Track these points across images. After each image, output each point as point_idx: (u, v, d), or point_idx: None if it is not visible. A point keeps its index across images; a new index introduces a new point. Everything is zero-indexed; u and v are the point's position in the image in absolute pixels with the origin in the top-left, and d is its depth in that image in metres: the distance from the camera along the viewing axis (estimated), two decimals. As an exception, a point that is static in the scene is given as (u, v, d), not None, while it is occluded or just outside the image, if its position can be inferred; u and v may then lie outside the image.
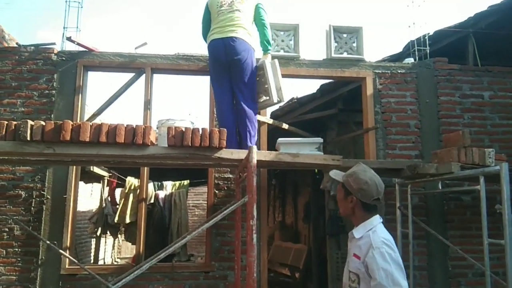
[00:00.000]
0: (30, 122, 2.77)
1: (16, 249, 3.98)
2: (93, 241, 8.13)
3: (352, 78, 4.63)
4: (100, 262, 8.22)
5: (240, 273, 3.85)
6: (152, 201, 6.12)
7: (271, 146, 4.04)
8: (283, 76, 4.46)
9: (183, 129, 2.97)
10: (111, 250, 10.07)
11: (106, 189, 7.42)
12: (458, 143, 3.59)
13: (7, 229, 3.99)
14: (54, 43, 4.43)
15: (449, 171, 3.39)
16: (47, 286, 3.93)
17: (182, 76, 4.77)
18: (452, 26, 4.87)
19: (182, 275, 4.13)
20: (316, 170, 5.91)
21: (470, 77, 4.66)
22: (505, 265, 3.09)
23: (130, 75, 4.45)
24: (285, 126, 4.70)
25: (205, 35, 3.92)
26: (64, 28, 4.48)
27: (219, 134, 2.99)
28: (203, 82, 3.97)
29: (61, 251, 3.87)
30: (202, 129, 2.99)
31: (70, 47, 4.46)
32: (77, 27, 4.51)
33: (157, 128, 3.51)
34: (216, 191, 4.33)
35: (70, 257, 3.90)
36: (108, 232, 7.00)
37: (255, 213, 2.65)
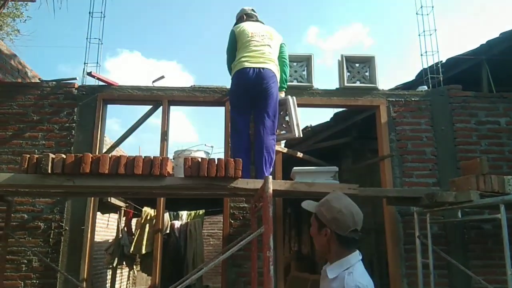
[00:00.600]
0: (51, 156, 2.85)
1: (35, 281, 4.00)
2: (109, 272, 8.11)
3: (366, 106, 4.66)
4: (116, 294, 8.15)
5: (257, 305, 3.78)
6: (168, 231, 6.12)
7: (286, 175, 4.05)
8: (297, 105, 4.53)
9: (199, 160, 3.01)
10: (127, 281, 10.01)
11: (123, 219, 7.46)
12: (476, 170, 3.54)
13: (25, 261, 4.03)
14: (75, 78, 4.60)
15: (468, 199, 3.32)
16: (63, 319, 3.92)
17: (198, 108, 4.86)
18: (464, 53, 4.89)
19: (198, 307, 4.07)
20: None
21: (486, 104, 4.63)
22: (532, 297, 2.97)
23: (147, 107, 4.57)
24: (300, 154, 4.72)
25: (230, 63, 3.97)
26: (84, 63, 4.65)
27: (234, 164, 3.02)
28: (219, 113, 4.04)
29: (78, 283, 3.89)
30: (218, 159, 3.03)
31: (90, 81, 4.63)
32: (97, 63, 4.69)
33: (173, 158, 3.57)
34: (232, 221, 4.32)
35: (87, 289, 3.90)
36: (124, 263, 6.99)
37: (271, 244, 2.63)
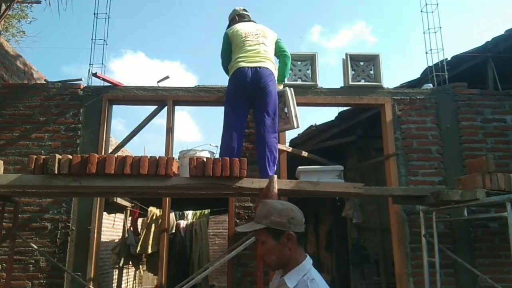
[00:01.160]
0: (58, 156, 2.87)
1: (42, 281, 4.03)
2: (115, 272, 8.15)
3: (371, 105, 4.65)
4: (122, 293, 8.19)
5: (263, 304, 3.79)
6: (173, 230, 6.15)
7: (291, 174, 4.05)
8: (302, 104, 4.53)
9: (205, 160, 3.02)
10: (133, 281, 10.05)
11: (129, 219, 7.49)
12: (482, 168, 3.52)
13: (33, 261, 4.07)
14: (80, 79, 4.63)
15: (474, 198, 3.31)
16: (71, 318, 3.95)
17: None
18: (470, 51, 4.87)
19: (204, 306, 4.08)
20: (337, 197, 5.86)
21: (491, 101, 4.61)
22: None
23: (152, 108, 4.59)
24: (305, 153, 4.71)
25: (226, 65, 4.00)
26: (89, 64, 4.69)
27: (239, 164, 3.02)
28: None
29: (85, 283, 3.91)
30: (223, 159, 3.04)
31: (96, 82, 4.66)
32: (102, 63, 4.72)
33: (178, 158, 3.58)
34: (237, 220, 4.33)
35: (94, 289, 3.93)
36: (130, 263, 7.02)
37: (277, 243, 2.63)
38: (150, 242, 5.76)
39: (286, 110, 4.08)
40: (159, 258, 4.30)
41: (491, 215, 3.80)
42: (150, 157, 2.96)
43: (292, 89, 4.07)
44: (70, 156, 2.89)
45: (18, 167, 4.20)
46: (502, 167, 4.31)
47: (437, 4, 5.01)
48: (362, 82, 4.62)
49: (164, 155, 3.07)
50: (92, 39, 4.79)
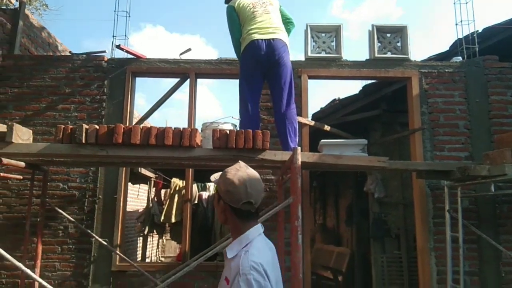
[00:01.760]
0: (85, 126, 2.93)
1: (71, 246, 4.20)
2: (139, 240, 8.43)
3: (397, 78, 4.53)
4: (147, 260, 8.50)
5: (284, 274, 3.85)
6: (196, 201, 6.26)
7: (313, 148, 4.03)
8: (325, 77, 4.47)
9: (228, 132, 3.02)
10: (156, 249, 10.39)
11: (153, 189, 7.67)
12: (511, 143, 3.42)
13: (62, 227, 4.23)
14: (104, 51, 4.67)
15: (503, 173, 3.23)
16: (98, 282, 4.12)
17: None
18: (502, 23, 4.65)
19: (225, 275, 4.19)
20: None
21: (524, 75, 4.42)
22: None
23: (175, 80, 4.60)
24: (327, 128, 4.67)
25: (237, 39, 3.82)
26: (113, 36, 4.70)
27: (262, 136, 3.02)
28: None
29: (112, 248, 4.06)
30: (246, 131, 3.03)
31: (119, 54, 4.68)
32: (125, 35, 4.74)
33: (201, 130, 3.60)
34: (259, 193, 4.36)
35: (121, 254, 4.08)
36: (154, 231, 7.23)
37: (300, 214, 2.65)
38: (174, 211, 5.90)
39: None
40: (182, 227, 4.41)
41: (518, 191, 3.72)
42: (174, 128, 2.99)
43: None
44: (96, 126, 2.94)
45: (45, 137, 4.32)
46: (533, 143, 4.17)
47: (470, -27, 4.76)
48: (389, 55, 4.49)
49: (185, 127, 3.08)
50: (114, 11, 4.80)
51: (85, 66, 4.53)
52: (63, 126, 3.01)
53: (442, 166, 3.77)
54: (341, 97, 5.51)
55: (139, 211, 8.43)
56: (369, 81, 5.03)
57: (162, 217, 6.14)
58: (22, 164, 3.58)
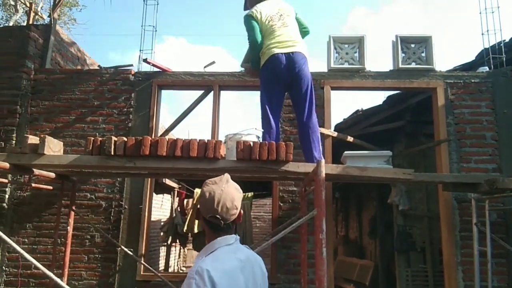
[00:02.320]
0: (114, 138, 3.02)
1: (97, 255, 4.29)
2: (162, 250, 8.51)
3: (422, 88, 4.49)
4: (169, 270, 8.57)
5: (307, 286, 3.84)
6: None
7: (336, 159, 4.02)
8: (349, 88, 4.47)
9: (251, 143, 3.06)
10: (177, 259, 10.46)
11: (176, 200, 7.76)
12: (543, 156, 3.33)
13: (89, 237, 4.33)
14: (131, 65, 4.81)
15: (533, 186, 3.15)
16: (124, 291, 4.19)
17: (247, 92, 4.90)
18: (530, 31, 4.56)
19: (248, 286, 4.18)
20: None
21: (553, 85, 4.31)
22: None
23: (199, 92, 4.69)
24: (350, 139, 4.65)
25: (259, 43, 3.73)
26: (140, 50, 4.84)
27: (285, 148, 3.04)
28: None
29: (137, 258, 4.13)
30: (269, 143, 3.06)
31: (145, 68, 4.81)
32: (151, 49, 4.86)
33: (225, 142, 3.64)
34: (281, 204, 4.38)
35: (145, 264, 4.14)
36: (177, 241, 7.30)
37: (324, 227, 2.65)
38: (197, 222, 5.95)
39: None
40: (205, 237, 4.42)
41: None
42: (199, 140, 3.04)
43: None
44: (125, 138, 3.02)
45: (75, 148, 4.45)
46: None
47: (496, -18, 4.71)
48: (413, 65, 4.46)
49: (210, 139, 3.13)
50: (142, 26, 4.94)
51: (113, 80, 4.66)
52: (92, 138, 3.10)
53: (469, 179, 3.69)
54: (364, 108, 5.48)
55: (163, 221, 8.53)
56: (392, 92, 4.99)
57: (185, 227, 6.20)
58: (53, 175, 3.70)
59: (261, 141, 3.46)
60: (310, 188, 3.56)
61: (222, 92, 4.70)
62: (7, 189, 4.37)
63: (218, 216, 1.56)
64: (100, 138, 3.09)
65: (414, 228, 5.47)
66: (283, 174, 3.34)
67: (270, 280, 4.20)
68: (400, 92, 4.97)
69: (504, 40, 4.58)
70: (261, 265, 1.67)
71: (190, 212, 6.20)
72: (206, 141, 3.05)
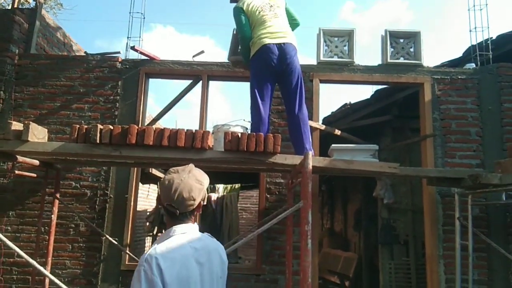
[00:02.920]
0: (99, 126, 2.97)
1: (81, 244, 4.25)
2: (147, 240, 8.48)
3: (409, 83, 4.52)
4: (154, 260, 8.54)
5: (292, 277, 3.87)
6: (205, 203, 6.28)
7: (323, 152, 4.04)
8: (338, 82, 4.47)
9: (239, 135, 3.05)
10: (163, 249, 10.43)
11: (162, 190, 7.69)
12: (525, 152, 3.40)
13: (73, 225, 4.29)
14: (118, 52, 4.73)
15: (515, 182, 3.21)
16: (108, 281, 4.16)
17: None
18: (517, 29, 4.61)
19: (233, 276, 4.21)
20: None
21: (538, 83, 4.38)
22: None
23: (187, 82, 4.64)
24: (338, 132, 4.67)
25: (248, 38, 3.73)
26: (128, 38, 4.78)
27: (273, 140, 3.04)
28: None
29: (122, 247, 4.10)
30: (257, 134, 3.05)
31: (133, 55, 4.74)
32: (139, 37, 4.81)
33: (213, 133, 3.63)
34: (268, 196, 4.39)
35: (130, 254, 4.12)
36: (163, 231, 7.27)
37: (310, 219, 2.66)
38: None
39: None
40: (191, 229, 4.43)
41: (530, 200, 3.68)
42: (187, 130, 3.02)
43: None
44: (111, 127, 2.98)
45: (59, 135, 4.38)
46: (546, 152, 4.13)
47: (485, -21, 4.75)
48: (401, 60, 4.49)
49: (197, 129, 3.11)
50: (130, 12, 4.87)
51: (99, 67, 4.59)
52: (78, 126, 3.06)
53: (453, 173, 3.76)
54: (352, 102, 5.51)
55: (149, 211, 8.49)
56: (380, 86, 5.02)
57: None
58: (36, 162, 3.64)
59: (249, 132, 3.46)
60: (297, 180, 3.57)
61: (210, 82, 4.67)
62: (-11, 176, 4.29)
63: (173, 204, 1.58)
64: (86, 126, 3.05)
65: (398, 222, 5.54)
66: (271, 166, 3.35)
67: (255, 271, 4.25)
68: (388, 87, 5.01)
69: (491, 38, 4.63)
70: (221, 254, 1.70)
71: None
72: (193, 131, 3.03)
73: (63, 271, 4.17)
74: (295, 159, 3.16)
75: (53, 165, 3.96)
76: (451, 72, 4.45)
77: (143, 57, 4.67)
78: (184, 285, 1.48)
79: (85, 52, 5.53)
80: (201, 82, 4.57)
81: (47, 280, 3.86)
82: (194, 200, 1.61)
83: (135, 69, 4.55)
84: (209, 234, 1.75)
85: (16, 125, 3.10)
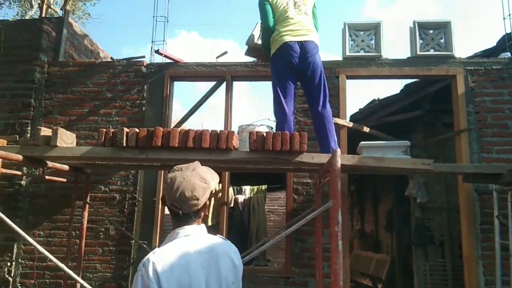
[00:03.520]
0: (125, 130, 2.98)
1: (111, 248, 4.30)
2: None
3: (441, 76, 4.34)
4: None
5: (322, 280, 3.77)
6: (232, 205, 6.27)
7: (351, 151, 3.91)
8: (365, 77, 4.35)
9: (264, 134, 2.99)
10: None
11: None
12: None
13: (103, 229, 4.34)
14: (143, 57, 4.78)
15: (559, 177, 3.00)
16: (138, 284, 4.17)
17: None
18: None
19: (262, 279, 4.15)
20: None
21: None
22: None
23: (208, 85, 4.64)
24: (366, 129, 4.53)
25: (271, 30, 3.68)
26: (152, 42, 4.82)
27: (299, 138, 2.96)
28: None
29: (151, 251, 4.11)
30: (283, 133, 2.99)
31: (157, 59, 4.77)
32: (163, 40, 4.82)
33: (237, 133, 3.58)
34: (295, 196, 4.31)
35: (159, 257, 4.12)
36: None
37: (339, 219, 2.57)
38: (210, 215, 5.92)
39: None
40: (218, 231, 4.40)
41: None
42: (212, 131, 2.99)
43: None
44: (137, 130, 2.99)
45: (88, 141, 4.45)
46: None
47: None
48: (432, 52, 4.32)
49: (222, 130, 3.07)
50: (153, 17, 4.89)
51: (125, 72, 4.64)
52: (104, 130, 3.08)
53: (491, 169, 3.55)
54: (380, 97, 5.33)
55: (177, 214, 8.55)
56: (410, 80, 4.84)
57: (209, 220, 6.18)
58: (66, 167, 3.69)
59: (273, 130, 3.40)
60: (325, 180, 3.48)
61: (234, 83, 4.64)
62: (22, 182, 4.41)
63: (175, 204, 1.49)
64: (112, 130, 3.07)
65: (432, 221, 5.32)
66: (297, 165, 3.27)
67: (285, 273, 4.16)
68: (418, 81, 4.83)
69: (527, 25, 4.39)
70: (233, 257, 1.56)
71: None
72: (218, 131, 2.99)
73: (94, 274, 4.23)
74: (323, 158, 3.06)
75: (82, 170, 4.02)
76: (485, 63, 4.24)
77: (168, 60, 4.69)
78: None
79: (111, 58, 5.62)
80: (225, 83, 4.54)
81: (78, 285, 3.91)
82: (197, 199, 1.50)
83: (160, 73, 4.57)
84: (222, 236, 1.65)
85: (45, 131, 3.16)
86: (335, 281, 2.48)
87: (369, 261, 7.17)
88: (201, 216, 1.57)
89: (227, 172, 4.41)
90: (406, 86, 4.99)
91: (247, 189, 6.68)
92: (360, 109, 5.51)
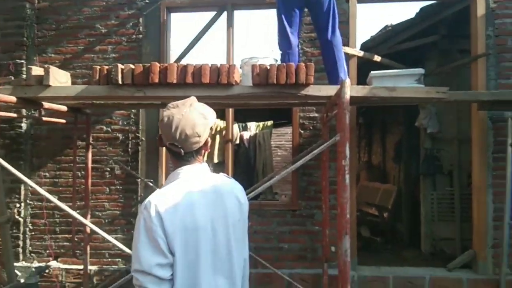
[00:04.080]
0: (120, 66, 2.82)
1: (118, 187, 4.32)
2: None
3: (460, -4, 3.98)
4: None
5: (328, 212, 3.78)
6: (237, 141, 6.21)
7: (361, 82, 3.72)
8: (377, 0, 4.02)
9: (268, 67, 2.80)
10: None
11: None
12: None
13: (108, 169, 4.33)
14: (136, -15, 4.41)
15: None
16: (148, 220, 4.24)
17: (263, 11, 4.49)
18: None
19: (270, 212, 4.19)
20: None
21: None
22: None
23: (211, 14, 4.33)
24: (377, 58, 4.27)
25: None
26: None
27: (306, 70, 2.77)
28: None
29: (157, 188, 4.12)
30: (287, 65, 2.79)
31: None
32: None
33: (240, 67, 3.38)
34: (302, 131, 4.20)
35: (166, 195, 4.13)
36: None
37: (347, 153, 2.46)
38: (216, 152, 5.89)
39: None
40: (224, 168, 4.37)
41: None
42: (211, 65, 2.81)
43: None
44: (132, 66, 2.82)
45: (85, 80, 4.29)
46: None
47: None
48: (451, -31, 3.93)
49: (223, 64, 2.88)
50: None
51: (119, 4, 4.36)
52: (98, 67, 2.92)
53: (509, 95, 3.35)
54: (393, 23, 4.96)
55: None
56: (426, 3, 4.45)
57: (205, 158, 6.17)
58: (64, 108, 3.57)
59: (279, 63, 3.19)
60: (333, 113, 3.33)
61: (235, 13, 4.34)
62: (23, 125, 4.33)
63: (176, 143, 1.41)
64: (107, 67, 2.90)
65: (442, 152, 5.22)
66: (303, 99, 3.11)
67: (291, 206, 4.18)
68: (434, 3, 4.44)
69: None
70: (238, 195, 1.51)
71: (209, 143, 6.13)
72: (218, 65, 2.81)
73: (103, 213, 4.29)
74: (330, 90, 2.89)
75: (81, 110, 3.90)
76: (509, -20, 3.87)
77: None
78: (190, 233, 1.33)
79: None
80: (225, 12, 4.25)
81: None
82: (199, 136, 1.42)
83: (155, 4, 4.28)
84: (226, 174, 1.59)
85: (37, 70, 3.00)
86: (342, 214, 2.44)
87: (376, 191, 7.23)
88: (203, 154, 1.50)
89: (231, 109, 4.27)
90: (422, 9, 4.61)
91: (252, 125, 6.56)
92: (371, 36, 5.17)
